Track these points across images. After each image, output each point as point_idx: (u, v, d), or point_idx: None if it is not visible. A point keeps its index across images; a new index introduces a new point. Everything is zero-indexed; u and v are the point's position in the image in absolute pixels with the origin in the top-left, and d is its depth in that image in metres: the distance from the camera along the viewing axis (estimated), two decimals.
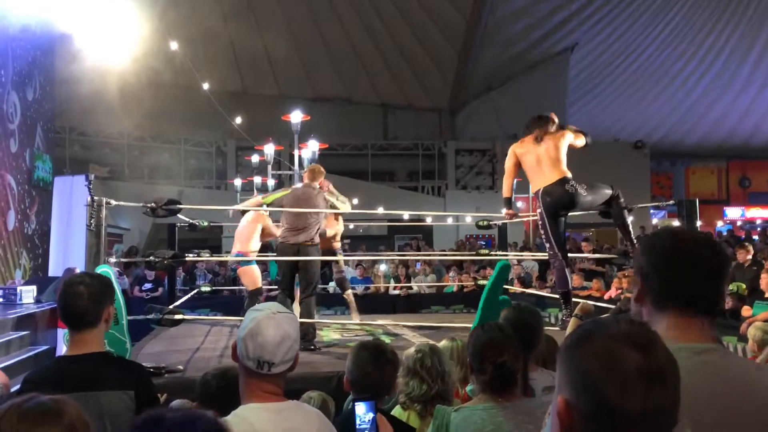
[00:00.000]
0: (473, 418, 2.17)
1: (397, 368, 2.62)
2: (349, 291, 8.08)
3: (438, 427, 2.28)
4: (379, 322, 7.90)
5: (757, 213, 26.30)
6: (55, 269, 9.51)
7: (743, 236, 17.03)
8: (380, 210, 12.91)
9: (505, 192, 5.54)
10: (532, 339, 2.67)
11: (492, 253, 9.09)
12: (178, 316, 5.05)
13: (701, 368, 0.92)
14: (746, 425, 1.13)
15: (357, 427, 1.87)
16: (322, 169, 6.45)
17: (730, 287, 7.78)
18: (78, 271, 5.33)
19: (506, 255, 8.94)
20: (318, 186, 6.32)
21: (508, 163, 5.39)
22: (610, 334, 0.97)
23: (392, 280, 11.88)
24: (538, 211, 5.24)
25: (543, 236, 5.39)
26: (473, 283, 8.92)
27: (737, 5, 21.75)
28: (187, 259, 5.59)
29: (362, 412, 1.88)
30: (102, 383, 2.25)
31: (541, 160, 5.14)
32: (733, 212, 26.28)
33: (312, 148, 10.64)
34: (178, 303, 6.87)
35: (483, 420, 2.17)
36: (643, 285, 1.30)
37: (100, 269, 4.76)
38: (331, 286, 9.78)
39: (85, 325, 2.33)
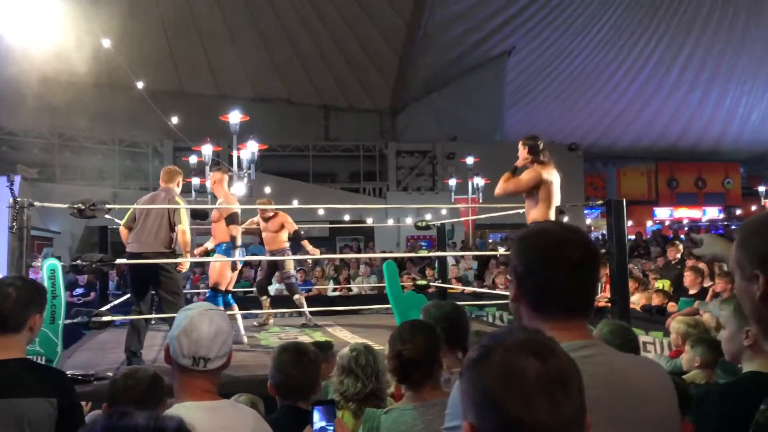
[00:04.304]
0: (403, 419, 2.16)
1: (320, 368, 2.60)
2: (298, 295, 7.99)
3: (369, 431, 2.25)
4: (320, 323, 7.88)
5: (684, 213, 27.45)
6: None
7: (671, 236, 17.78)
8: (321, 212, 12.87)
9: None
10: (456, 333, 2.55)
11: (431, 253, 9.18)
12: (106, 318, 4.91)
13: (580, 362, 0.94)
14: (622, 406, 1.21)
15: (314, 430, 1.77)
16: (178, 169, 5.84)
17: (657, 284, 8.07)
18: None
19: (445, 254, 9.01)
20: (174, 189, 5.59)
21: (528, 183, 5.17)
22: (505, 346, 0.94)
23: (332, 281, 11.83)
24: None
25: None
26: (412, 284, 8.97)
27: (665, 13, 22.73)
28: (116, 262, 5.41)
29: (318, 418, 1.77)
30: (23, 390, 2.19)
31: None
32: (662, 212, 27.36)
33: (251, 148, 10.51)
34: (108, 307, 6.65)
35: (414, 419, 2.14)
36: (518, 286, 1.31)
37: (47, 262, 4.57)
38: (276, 287, 9.63)
39: (8, 329, 2.27)
